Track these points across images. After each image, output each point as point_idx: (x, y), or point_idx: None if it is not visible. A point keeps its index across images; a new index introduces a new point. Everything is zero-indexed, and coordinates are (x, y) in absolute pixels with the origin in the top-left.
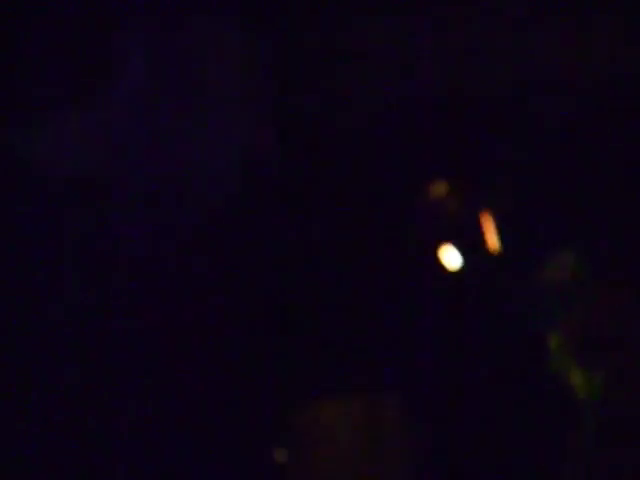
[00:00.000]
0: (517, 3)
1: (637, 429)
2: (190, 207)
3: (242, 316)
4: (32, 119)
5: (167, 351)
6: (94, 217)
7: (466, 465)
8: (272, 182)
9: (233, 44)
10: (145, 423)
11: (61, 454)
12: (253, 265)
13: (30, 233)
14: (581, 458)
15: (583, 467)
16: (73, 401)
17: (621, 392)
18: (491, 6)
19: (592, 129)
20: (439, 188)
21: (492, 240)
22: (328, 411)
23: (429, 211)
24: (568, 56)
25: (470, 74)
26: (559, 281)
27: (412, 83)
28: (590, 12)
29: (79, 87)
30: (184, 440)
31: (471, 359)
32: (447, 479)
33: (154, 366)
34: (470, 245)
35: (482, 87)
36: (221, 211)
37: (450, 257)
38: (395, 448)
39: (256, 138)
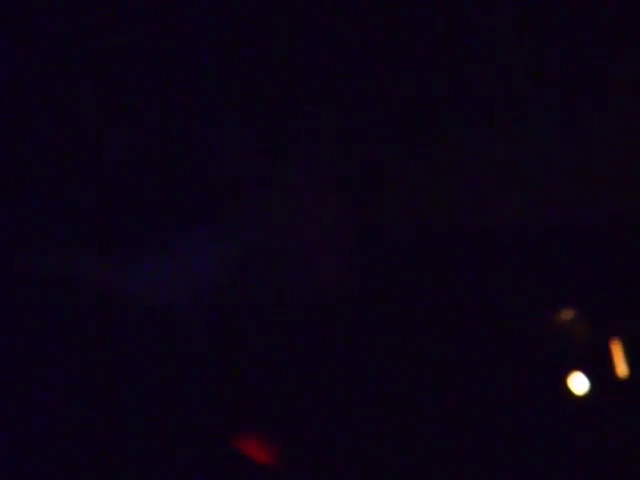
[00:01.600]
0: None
1: None
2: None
3: None
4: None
5: None
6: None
7: None
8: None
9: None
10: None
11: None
12: None
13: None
14: None
15: None
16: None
17: None
18: None
19: None
20: (567, 313)
21: (621, 368)
22: None
23: (557, 336)
24: None
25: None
26: None
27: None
28: None
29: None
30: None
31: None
32: None
33: None
34: (598, 371)
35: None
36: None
37: (577, 383)
38: None
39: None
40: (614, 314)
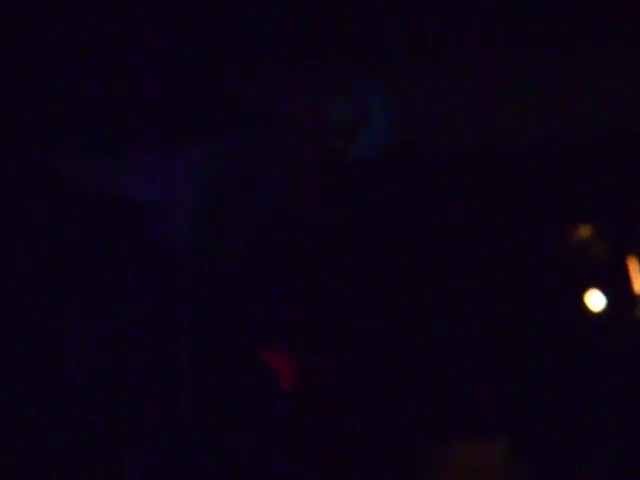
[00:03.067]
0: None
1: None
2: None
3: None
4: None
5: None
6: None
7: None
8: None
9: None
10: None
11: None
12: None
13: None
14: None
15: None
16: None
17: None
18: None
19: None
20: (584, 231)
21: (638, 285)
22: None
23: (573, 254)
24: None
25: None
26: None
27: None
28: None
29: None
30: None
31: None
32: None
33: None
34: (615, 289)
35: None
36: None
37: (594, 300)
38: None
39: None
40: (632, 231)
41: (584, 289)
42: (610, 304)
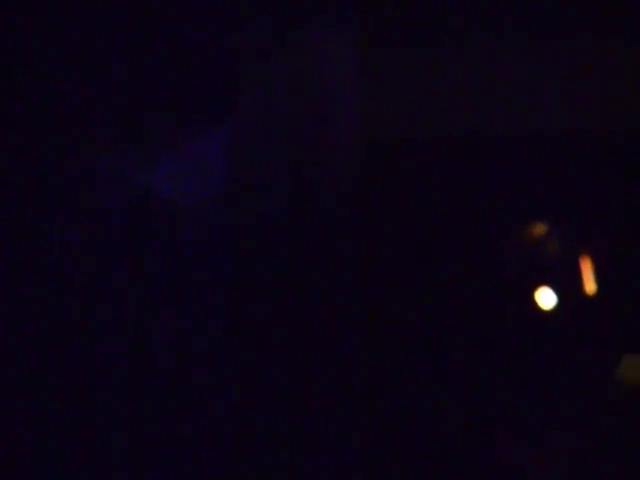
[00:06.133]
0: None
1: None
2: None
3: None
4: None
5: None
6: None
7: None
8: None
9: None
10: None
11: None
12: None
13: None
14: None
15: None
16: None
17: None
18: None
19: None
20: (537, 229)
21: (589, 284)
22: None
23: (526, 251)
24: None
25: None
26: None
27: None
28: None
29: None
30: None
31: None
32: None
33: None
34: (566, 287)
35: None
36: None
37: (545, 298)
38: None
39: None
40: (584, 230)
41: (536, 287)
42: (561, 303)
